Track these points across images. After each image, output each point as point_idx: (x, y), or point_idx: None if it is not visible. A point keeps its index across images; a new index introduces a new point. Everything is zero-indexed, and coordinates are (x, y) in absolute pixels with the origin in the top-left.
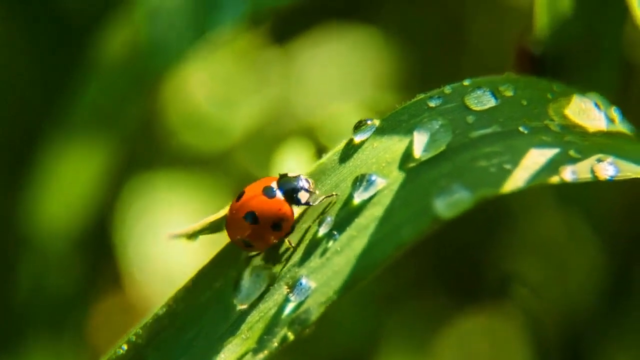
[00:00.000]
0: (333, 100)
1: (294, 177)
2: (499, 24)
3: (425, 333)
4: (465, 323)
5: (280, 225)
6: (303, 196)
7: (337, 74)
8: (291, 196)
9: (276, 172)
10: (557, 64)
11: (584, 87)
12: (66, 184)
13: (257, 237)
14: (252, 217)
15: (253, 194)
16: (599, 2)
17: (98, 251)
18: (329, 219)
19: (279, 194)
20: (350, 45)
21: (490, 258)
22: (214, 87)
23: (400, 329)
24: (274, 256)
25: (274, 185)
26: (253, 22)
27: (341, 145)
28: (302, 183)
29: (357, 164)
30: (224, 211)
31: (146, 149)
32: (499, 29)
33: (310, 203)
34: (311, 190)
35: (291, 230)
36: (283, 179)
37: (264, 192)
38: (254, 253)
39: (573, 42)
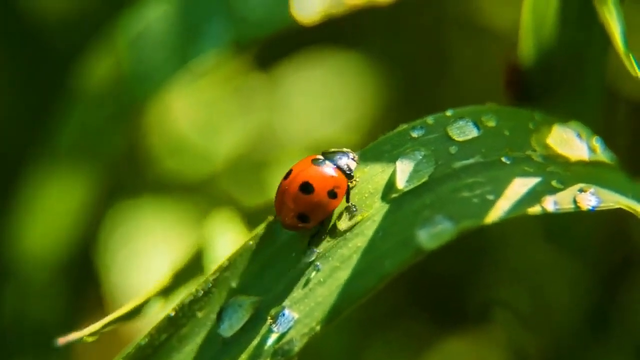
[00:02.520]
0: (317, 126)
1: (336, 150)
2: (480, 48)
3: (408, 357)
4: (448, 347)
5: (335, 192)
6: (351, 164)
7: (321, 100)
8: (339, 165)
9: (266, 196)
10: (542, 89)
11: (567, 114)
12: (49, 211)
13: (314, 208)
14: (308, 186)
15: (303, 167)
16: (582, 32)
17: (82, 277)
18: (313, 250)
19: (329, 163)
20: (333, 71)
21: (474, 283)
22: (197, 113)
23: (382, 353)
24: (258, 286)
25: (321, 157)
26: (237, 50)
27: None
28: (346, 153)
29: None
30: (119, 312)
31: (130, 175)
32: (480, 53)
33: (353, 175)
34: (355, 160)
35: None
36: (327, 153)
37: (313, 163)
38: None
39: (557, 69)
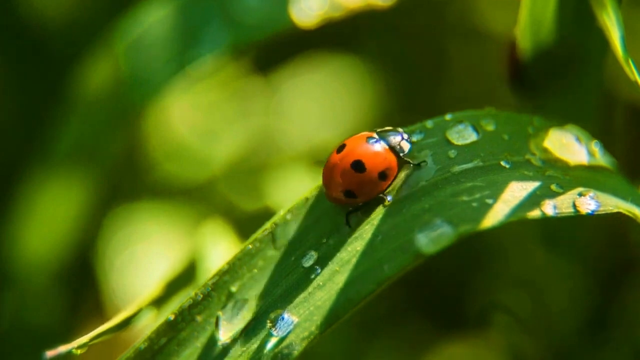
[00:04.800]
0: (316, 129)
1: (391, 129)
2: (479, 50)
3: None
4: (448, 351)
5: (386, 174)
6: (405, 146)
7: (320, 104)
8: (392, 146)
9: (265, 200)
10: (542, 85)
11: (566, 116)
12: (48, 216)
13: (362, 187)
14: (359, 165)
15: (357, 144)
16: (580, 34)
17: (81, 281)
18: (312, 254)
19: (383, 143)
20: (332, 75)
21: (474, 287)
22: (196, 117)
23: (382, 357)
24: (257, 290)
25: (376, 136)
26: (235, 54)
27: None
28: (402, 134)
29: None
30: (109, 324)
31: (128, 180)
32: (478, 56)
33: (406, 156)
34: (411, 141)
35: (391, 183)
36: (382, 132)
37: (367, 142)
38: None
39: (555, 67)
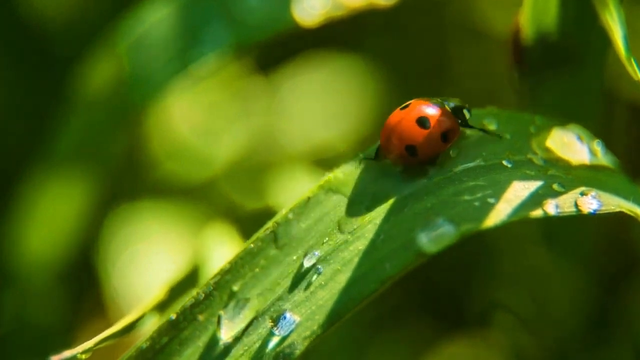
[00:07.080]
0: (317, 129)
1: (450, 99)
2: (481, 50)
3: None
4: (449, 350)
5: (448, 136)
6: (466, 114)
7: (321, 103)
8: (456, 112)
9: (266, 199)
10: (544, 79)
11: (568, 114)
12: (48, 217)
13: (424, 143)
14: (424, 121)
15: (422, 103)
16: (582, 34)
17: (82, 281)
18: (314, 253)
19: (447, 107)
20: (333, 74)
21: (475, 286)
22: (197, 116)
23: (383, 355)
24: (259, 289)
25: (440, 100)
26: (237, 53)
27: (325, 177)
28: (463, 105)
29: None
30: (113, 329)
31: (130, 179)
32: (481, 56)
33: (466, 124)
34: (471, 111)
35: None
36: (443, 99)
37: (432, 103)
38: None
39: (557, 65)
